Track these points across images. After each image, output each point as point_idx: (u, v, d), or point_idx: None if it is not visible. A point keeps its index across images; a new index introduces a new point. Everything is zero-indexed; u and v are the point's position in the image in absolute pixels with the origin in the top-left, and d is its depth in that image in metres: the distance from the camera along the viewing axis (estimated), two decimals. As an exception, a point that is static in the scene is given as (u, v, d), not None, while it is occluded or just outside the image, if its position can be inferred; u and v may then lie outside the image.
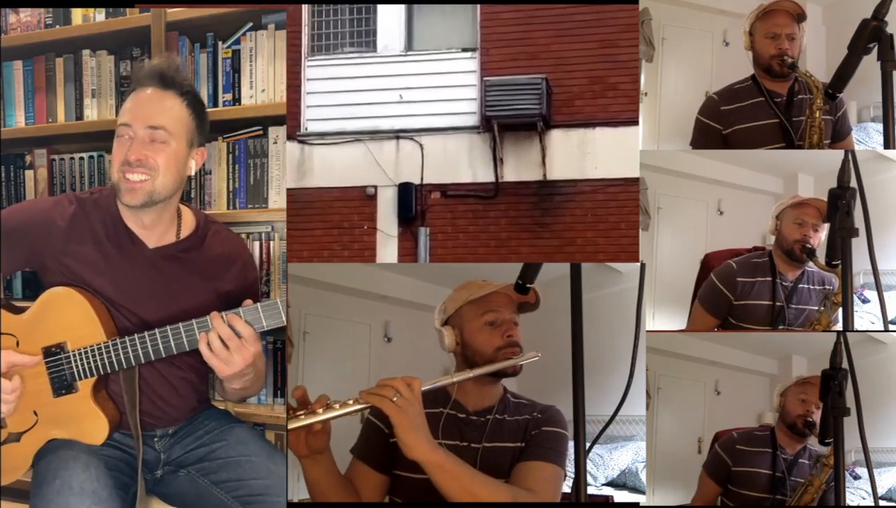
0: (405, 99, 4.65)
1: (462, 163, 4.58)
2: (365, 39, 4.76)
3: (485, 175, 4.55)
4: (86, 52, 2.72)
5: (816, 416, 2.17)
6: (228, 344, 1.63)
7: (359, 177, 4.66)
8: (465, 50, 4.65)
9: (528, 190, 4.51)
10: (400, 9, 4.66)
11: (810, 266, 2.18)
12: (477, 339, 1.71)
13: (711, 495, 2.27)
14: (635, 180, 4.33)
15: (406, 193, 4.55)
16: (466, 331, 1.72)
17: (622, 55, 4.41)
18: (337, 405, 1.54)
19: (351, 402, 1.54)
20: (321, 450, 1.58)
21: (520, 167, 4.51)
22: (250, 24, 2.56)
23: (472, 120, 4.58)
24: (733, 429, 2.32)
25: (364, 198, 4.67)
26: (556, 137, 4.49)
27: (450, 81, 4.65)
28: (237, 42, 2.58)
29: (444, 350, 1.75)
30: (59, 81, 2.75)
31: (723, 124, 2.18)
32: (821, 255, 2.08)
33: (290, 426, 1.53)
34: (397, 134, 4.64)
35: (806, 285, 2.18)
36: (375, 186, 4.65)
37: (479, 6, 4.60)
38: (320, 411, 1.53)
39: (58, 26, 2.74)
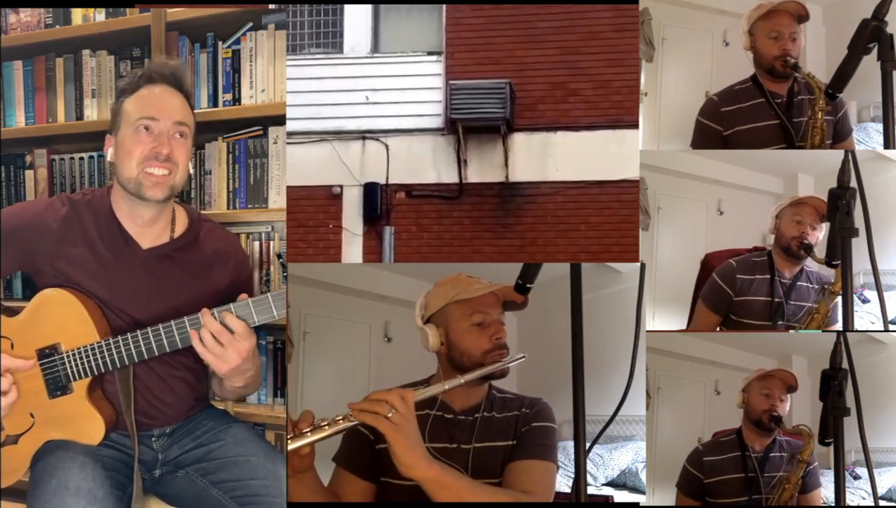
0: (371, 100, 4.72)
1: (427, 164, 4.66)
2: (332, 41, 4.82)
3: (449, 176, 4.64)
4: (86, 52, 2.72)
5: (781, 409, 2.18)
6: (220, 339, 1.62)
7: (325, 176, 4.73)
8: (430, 53, 4.73)
9: (491, 191, 4.60)
10: (367, 11, 4.73)
11: (809, 265, 2.20)
12: (464, 341, 1.66)
13: (690, 512, 2.28)
14: (595, 183, 4.41)
15: (371, 192, 4.63)
16: (453, 332, 1.67)
17: (584, 62, 4.52)
18: (325, 425, 1.49)
19: (341, 419, 1.49)
20: (306, 469, 1.55)
21: (483, 169, 4.61)
22: (250, 24, 2.56)
23: (437, 122, 4.66)
24: (728, 429, 2.32)
25: (330, 197, 4.73)
26: (519, 140, 4.59)
27: (415, 83, 4.72)
28: (237, 42, 2.58)
29: (427, 350, 1.71)
30: (59, 81, 2.75)
31: (723, 126, 2.18)
32: (820, 255, 2.09)
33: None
34: (363, 134, 4.71)
35: (804, 283, 2.20)
36: (341, 186, 4.71)
37: (445, 11, 4.68)
38: (307, 431, 1.48)
39: (58, 26, 2.74)
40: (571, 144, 4.50)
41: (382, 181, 4.63)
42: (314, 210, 4.71)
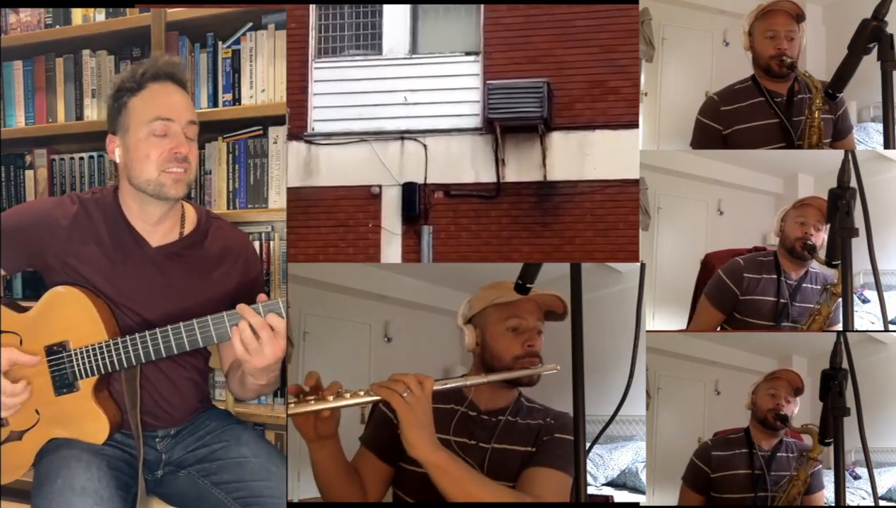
0: (410, 101, 4.76)
1: (465, 163, 4.68)
2: (370, 42, 4.87)
3: (487, 175, 4.66)
4: (86, 52, 2.72)
5: (787, 410, 2.19)
6: (260, 334, 1.60)
7: (364, 176, 4.76)
8: (468, 54, 4.75)
9: (529, 190, 4.60)
10: (405, 13, 4.77)
11: (813, 267, 2.21)
12: (497, 344, 1.69)
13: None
14: (634, 182, 4.37)
15: (410, 192, 4.66)
16: (488, 334, 1.70)
17: (622, 60, 4.53)
18: (348, 395, 1.55)
19: (362, 393, 1.56)
20: (329, 435, 1.60)
21: (521, 168, 4.62)
22: (250, 24, 2.56)
23: (475, 122, 4.68)
24: (735, 428, 2.32)
25: (369, 197, 4.76)
26: (557, 139, 4.59)
27: (453, 83, 4.75)
28: (237, 42, 2.58)
29: (465, 350, 1.74)
30: (59, 81, 2.75)
31: (723, 125, 2.18)
32: (821, 255, 2.09)
33: (298, 410, 1.54)
34: (402, 135, 4.73)
35: (809, 285, 2.21)
36: (380, 186, 4.74)
37: (482, 11, 4.69)
38: (331, 398, 1.54)
39: (58, 26, 2.74)
40: (610, 142, 4.51)
41: (421, 181, 4.66)
42: (354, 210, 4.75)
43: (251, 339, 1.60)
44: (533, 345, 1.68)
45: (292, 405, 1.56)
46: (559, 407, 1.75)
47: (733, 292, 2.20)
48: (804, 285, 2.20)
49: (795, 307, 2.18)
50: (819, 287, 2.21)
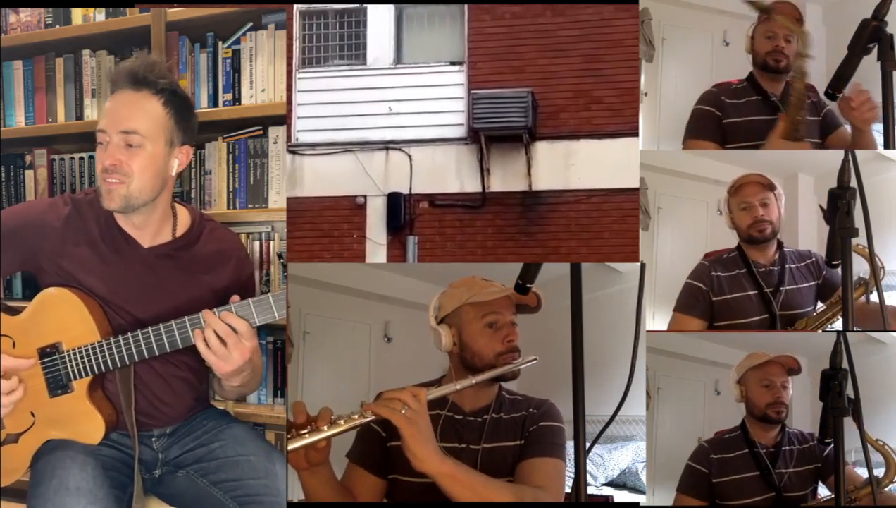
0: (394, 111, 4.78)
1: (450, 173, 4.70)
2: (355, 52, 4.89)
3: (472, 185, 4.68)
4: (86, 52, 2.72)
5: (785, 397, 2.08)
6: (226, 340, 1.62)
7: (348, 186, 4.78)
8: (453, 63, 4.78)
9: (514, 200, 4.63)
10: (389, 22, 4.79)
11: (787, 247, 2.15)
12: (477, 342, 1.68)
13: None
14: (619, 191, 4.42)
15: (395, 202, 4.68)
16: (466, 333, 1.69)
17: (606, 70, 4.56)
18: (341, 421, 1.52)
19: (356, 416, 1.53)
20: (321, 463, 1.57)
21: (506, 178, 4.64)
22: (250, 24, 2.57)
23: (460, 132, 4.71)
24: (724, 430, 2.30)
25: (354, 207, 4.78)
26: (542, 148, 4.61)
27: (438, 93, 4.78)
28: (237, 42, 2.58)
29: (440, 350, 1.72)
30: (59, 81, 2.75)
31: (722, 113, 2.18)
32: (820, 252, 2.08)
33: (294, 445, 1.49)
34: (386, 145, 4.75)
35: (789, 265, 2.13)
36: (365, 196, 4.76)
37: (467, 21, 4.72)
38: (325, 428, 1.51)
39: (58, 26, 2.75)
40: (595, 151, 4.53)
41: (406, 191, 4.68)
42: (339, 220, 4.77)
43: (218, 345, 1.62)
44: (513, 340, 1.68)
45: (288, 439, 1.52)
46: (560, 407, 1.75)
47: (704, 293, 2.11)
48: (786, 265, 2.11)
49: (782, 292, 2.09)
50: (800, 264, 2.13)
